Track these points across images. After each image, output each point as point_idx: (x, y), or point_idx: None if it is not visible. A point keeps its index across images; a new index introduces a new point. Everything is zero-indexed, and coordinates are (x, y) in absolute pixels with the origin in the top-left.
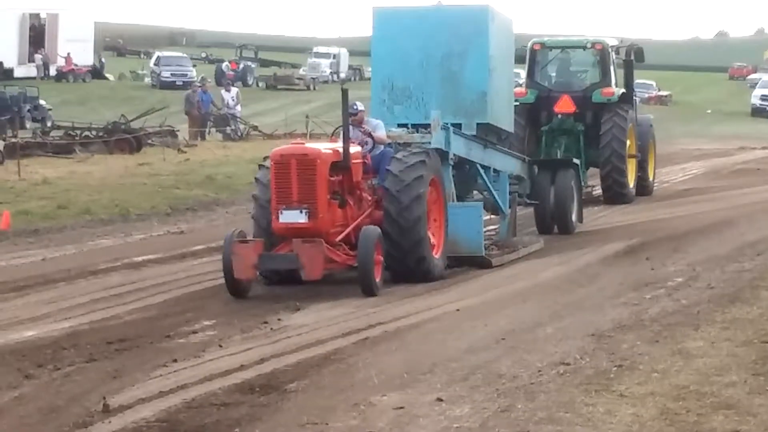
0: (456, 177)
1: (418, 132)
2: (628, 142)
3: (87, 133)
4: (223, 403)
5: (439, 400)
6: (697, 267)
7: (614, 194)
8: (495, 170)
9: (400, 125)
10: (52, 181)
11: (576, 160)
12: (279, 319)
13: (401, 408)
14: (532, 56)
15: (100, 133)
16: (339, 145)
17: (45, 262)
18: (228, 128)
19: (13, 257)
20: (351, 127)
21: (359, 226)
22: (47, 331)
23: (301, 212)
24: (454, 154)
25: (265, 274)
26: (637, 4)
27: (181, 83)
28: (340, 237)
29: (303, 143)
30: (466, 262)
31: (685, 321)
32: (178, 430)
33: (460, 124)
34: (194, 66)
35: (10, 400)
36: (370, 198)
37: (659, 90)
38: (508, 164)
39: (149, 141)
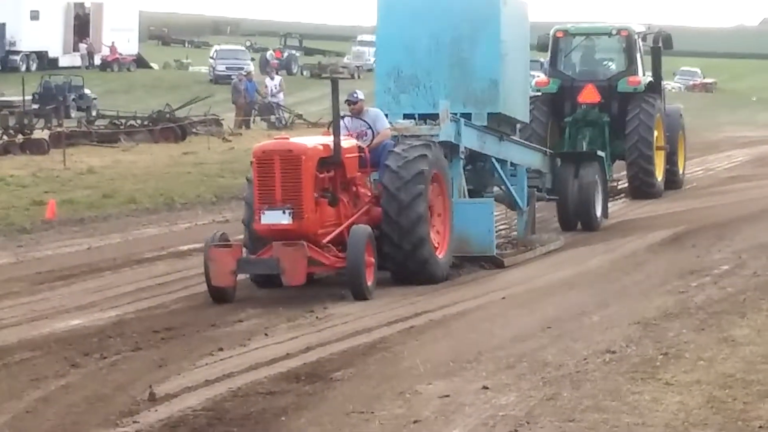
0: (470, 171)
1: (426, 123)
2: (655, 134)
3: (132, 122)
4: (269, 392)
5: (485, 388)
6: (742, 254)
7: (641, 188)
8: (512, 164)
9: (406, 115)
10: (98, 170)
11: (600, 153)
12: (325, 308)
13: (447, 396)
14: (554, 44)
15: (145, 122)
16: (330, 139)
17: (90, 251)
18: (272, 117)
19: (59, 246)
20: (350, 118)
21: (355, 225)
22: (93, 320)
23: (284, 212)
24: (466, 147)
25: (255, 279)
26: None
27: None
28: (328, 238)
29: (287, 138)
30: (476, 262)
31: (731, 309)
32: (224, 419)
33: (470, 114)
34: (252, 60)
35: (57, 388)
36: (369, 194)
37: (704, 77)
38: (527, 157)
39: (194, 130)
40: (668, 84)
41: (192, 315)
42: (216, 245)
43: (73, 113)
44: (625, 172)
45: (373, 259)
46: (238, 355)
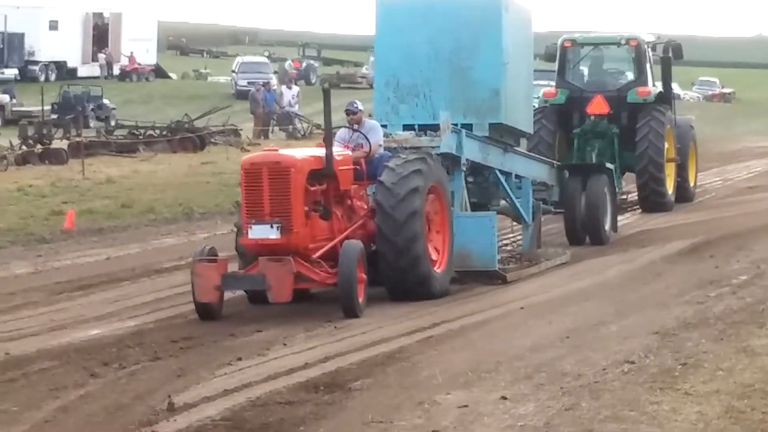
0: (474, 184)
1: (426, 134)
2: (666, 145)
3: (150, 132)
4: (288, 402)
5: (504, 398)
6: (761, 264)
7: (652, 201)
8: (517, 176)
9: (406, 126)
10: (116, 180)
11: (609, 165)
12: (343, 317)
13: (465, 406)
14: (562, 54)
15: (164, 132)
16: (323, 151)
17: (109, 261)
18: (291, 126)
19: (78, 256)
20: (347, 129)
21: (348, 239)
22: (112, 330)
23: (272, 227)
24: (467, 159)
25: (250, 295)
26: (700, 2)
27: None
28: (319, 253)
29: (276, 149)
30: (478, 277)
31: (750, 319)
32: (243, 429)
33: (471, 125)
34: (275, 73)
35: (77, 398)
36: (366, 207)
37: (722, 87)
38: (533, 169)
39: (212, 140)
40: (686, 94)
41: (211, 325)
42: (201, 260)
43: (92, 123)
44: (635, 185)
45: (364, 275)
46: (256, 365)
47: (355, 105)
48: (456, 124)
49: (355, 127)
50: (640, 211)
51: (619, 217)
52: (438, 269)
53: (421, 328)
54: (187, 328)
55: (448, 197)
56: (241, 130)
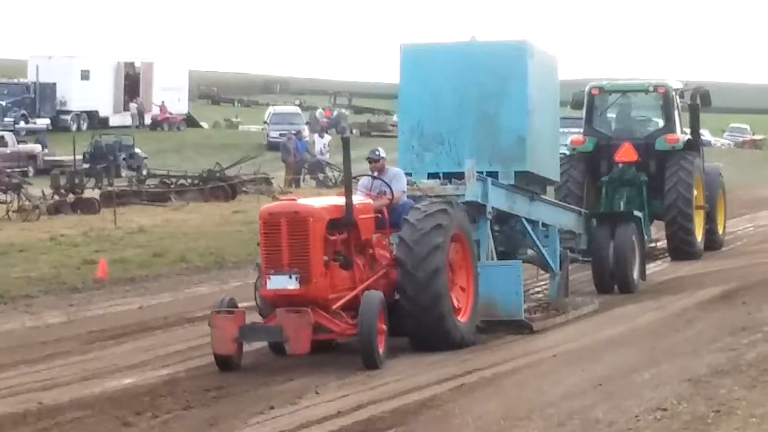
0: (501, 233)
1: (451, 183)
2: (695, 192)
3: (182, 181)
4: None
5: None
6: None
7: (680, 249)
8: (544, 224)
9: (430, 174)
10: (148, 229)
11: (637, 213)
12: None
13: None
14: (590, 101)
15: (195, 181)
16: (343, 200)
17: (142, 310)
18: (321, 175)
19: (111, 305)
20: (369, 178)
21: (369, 289)
22: (145, 379)
23: (290, 277)
24: (493, 208)
25: (272, 346)
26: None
27: None
28: (339, 303)
29: (295, 199)
30: (504, 327)
31: None
32: None
33: (497, 173)
34: (307, 123)
35: None
36: (389, 255)
37: (753, 134)
38: (560, 218)
39: (244, 188)
40: (717, 141)
41: (243, 374)
42: (218, 312)
43: (124, 172)
44: (664, 232)
45: (384, 326)
46: (289, 414)
47: (377, 153)
48: (481, 172)
49: (377, 174)
50: (669, 258)
51: (649, 265)
52: (462, 318)
53: (453, 375)
54: (219, 377)
55: (472, 244)
56: (272, 178)
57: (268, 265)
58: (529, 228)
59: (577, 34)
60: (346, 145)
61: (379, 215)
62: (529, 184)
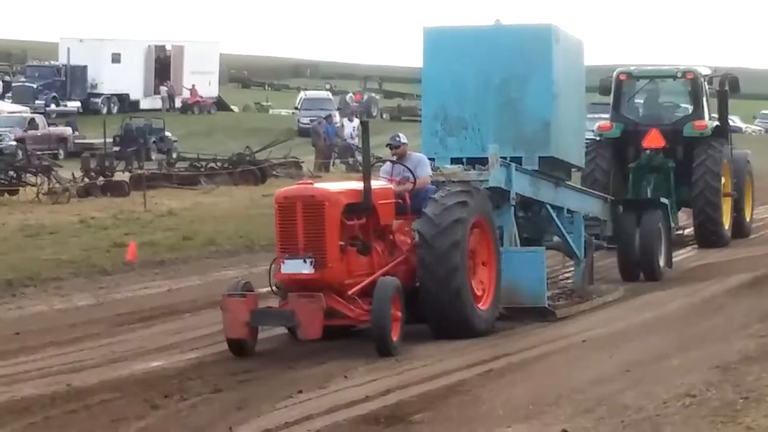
0: (526, 219)
1: (474, 168)
2: (723, 180)
3: (212, 164)
4: None
5: (564, 431)
6: None
7: (707, 237)
8: (569, 211)
9: (453, 160)
10: (178, 212)
11: (664, 200)
12: (404, 350)
13: None
14: (617, 87)
15: (225, 165)
16: (361, 185)
17: (170, 292)
18: (351, 159)
19: (140, 288)
20: (391, 163)
21: (388, 275)
22: (173, 362)
23: (305, 262)
24: (517, 194)
25: (290, 330)
26: (762, 34)
27: None
28: (355, 289)
29: (311, 183)
30: (527, 314)
31: None
32: None
33: (521, 158)
34: (338, 109)
35: (137, 430)
36: (410, 242)
37: None
38: (585, 204)
39: (274, 172)
40: (748, 127)
41: (271, 357)
42: (230, 295)
43: (154, 156)
44: (691, 220)
45: (399, 313)
46: (317, 398)
47: (398, 138)
48: (505, 158)
49: (397, 160)
50: (696, 246)
51: (678, 252)
52: (482, 306)
53: (482, 361)
54: (247, 361)
55: (494, 232)
56: (302, 162)
57: (283, 249)
58: (553, 214)
59: (604, 19)
60: (365, 129)
61: (401, 201)
62: (553, 169)
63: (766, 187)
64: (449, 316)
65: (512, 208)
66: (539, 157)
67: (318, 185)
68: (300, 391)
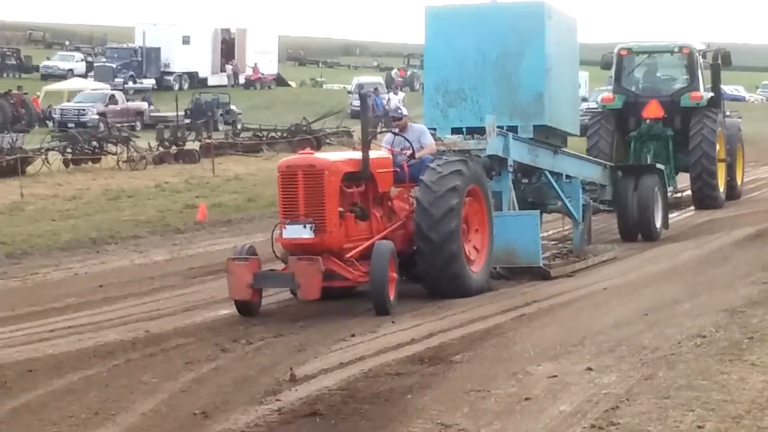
0: (530, 184)
1: (473, 137)
2: (717, 147)
3: (273, 134)
4: (397, 373)
5: (589, 369)
6: None
7: (704, 198)
8: (567, 176)
9: (454, 129)
10: (242, 177)
11: (660, 166)
12: (448, 299)
13: (554, 377)
14: (618, 62)
15: (284, 134)
16: (360, 154)
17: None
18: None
19: (210, 245)
20: (392, 135)
21: (386, 239)
22: None
23: (305, 227)
24: (514, 161)
25: (293, 292)
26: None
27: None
28: (353, 252)
29: (312, 153)
30: (523, 273)
31: None
32: (356, 397)
33: (516, 127)
34: (388, 92)
35: (209, 371)
36: (408, 208)
37: None
38: (584, 170)
39: (328, 140)
40: (751, 96)
41: (327, 306)
42: (234, 259)
43: (221, 127)
44: (689, 184)
45: (395, 274)
46: (368, 341)
47: (399, 111)
48: (502, 127)
49: (397, 131)
50: (693, 208)
51: (678, 213)
52: (474, 269)
53: (515, 307)
54: (306, 309)
55: (488, 199)
56: (353, 131)
57: (285, 215)
58: (552, 180)
59: None
60: (363, 101)
61: (398, 169)
62: (548, 137)
63: (767, 150)
64: (443, 277)
65: (510, 175)
66: (534, 126)
67: (318, 155)
68: (353, 335)
